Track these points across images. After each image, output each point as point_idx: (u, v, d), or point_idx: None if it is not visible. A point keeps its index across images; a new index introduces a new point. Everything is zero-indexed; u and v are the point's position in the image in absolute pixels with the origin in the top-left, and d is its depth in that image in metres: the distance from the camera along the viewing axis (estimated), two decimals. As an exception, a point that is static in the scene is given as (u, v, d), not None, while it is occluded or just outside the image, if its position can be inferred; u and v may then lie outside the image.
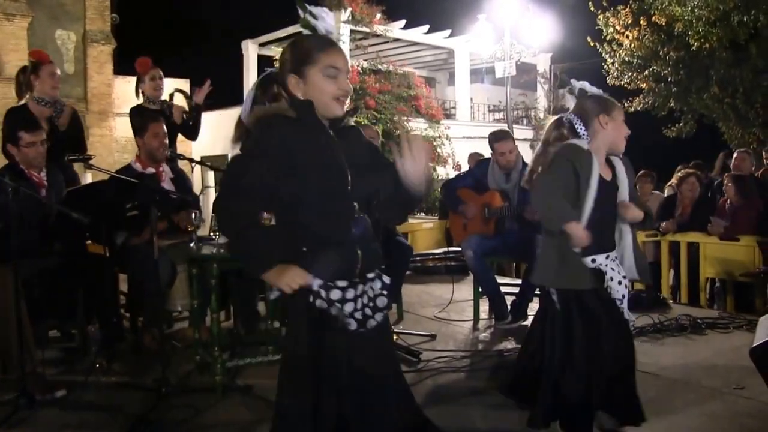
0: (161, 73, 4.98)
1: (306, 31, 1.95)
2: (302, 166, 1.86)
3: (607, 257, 2.59)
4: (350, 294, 1.90)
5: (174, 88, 5.24)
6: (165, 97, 5.07)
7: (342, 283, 1.90)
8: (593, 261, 2.55)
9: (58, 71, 4.54)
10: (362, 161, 1.97)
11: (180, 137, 5.12)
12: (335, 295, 1.88)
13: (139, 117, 4.60)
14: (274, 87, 2.01)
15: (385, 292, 2.00)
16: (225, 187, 1.93)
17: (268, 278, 1.85)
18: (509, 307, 4.73)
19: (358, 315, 1.91)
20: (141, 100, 4.98)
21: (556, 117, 2.71)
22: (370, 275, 1.98)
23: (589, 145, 2.61)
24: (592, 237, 2.51)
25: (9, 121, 4.19)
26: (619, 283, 2.59)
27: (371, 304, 1.96)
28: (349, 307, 1.90)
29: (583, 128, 2.63)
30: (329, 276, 1.87)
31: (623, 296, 2.61)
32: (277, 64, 2.01)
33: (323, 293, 1.87)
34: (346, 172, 1.90)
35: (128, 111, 4.97)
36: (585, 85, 2.75)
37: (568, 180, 2.56)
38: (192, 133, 5.11)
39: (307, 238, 1.88)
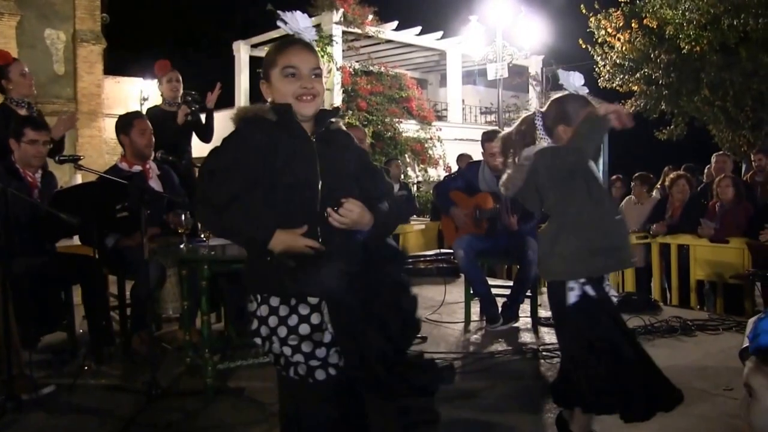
0: (179, 75, 5.10)
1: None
2: (272, 172, 1.80)
3: None
4: (273, 321, 1.82)
5: (184, 93, 5.24)
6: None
7: (273, 301, 1.83)
8: None
9: (26, 67, 4.48)
10: (346, 171, 1.91)
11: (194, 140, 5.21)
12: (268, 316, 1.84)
13: (124, 115, 4.57)
14: None
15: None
16: (200, 175, 1.87)
17: (274, 245, 1.74)
18: (500, 308, 4.73)
19: (287, 351, 1.80)
20: (155, 102, 5.01)
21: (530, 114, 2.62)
22: (315, 300, 1.82)
23: None
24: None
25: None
26: None
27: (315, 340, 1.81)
28: (282, 332, 1.80)
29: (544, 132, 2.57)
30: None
31: None
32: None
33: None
34: (317, 187, 1.82)
35: (117, 111, 4.96)
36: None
37: None
38: (206, 136, 5.28)
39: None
